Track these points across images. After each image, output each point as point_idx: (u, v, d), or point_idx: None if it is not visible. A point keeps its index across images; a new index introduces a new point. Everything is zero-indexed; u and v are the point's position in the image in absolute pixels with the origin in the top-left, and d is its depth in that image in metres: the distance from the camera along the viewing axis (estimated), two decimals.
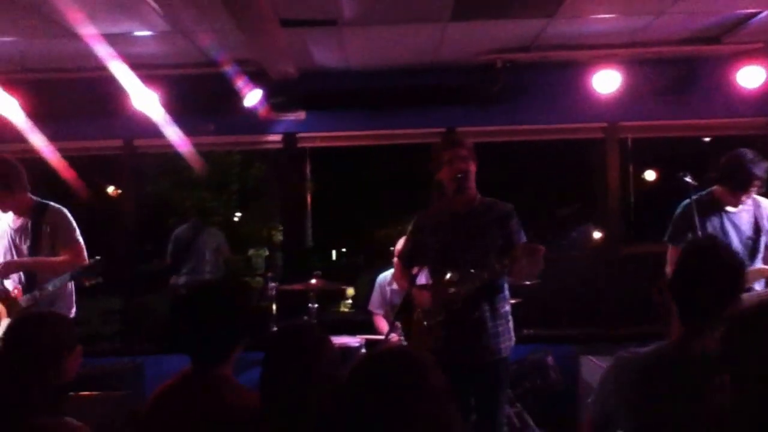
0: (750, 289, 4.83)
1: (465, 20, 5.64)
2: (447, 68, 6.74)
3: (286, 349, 2.63)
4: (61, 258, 5.02)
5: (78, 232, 5.13)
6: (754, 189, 4.91)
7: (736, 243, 4.93)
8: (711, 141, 7.99)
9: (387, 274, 6.34)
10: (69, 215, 5.14)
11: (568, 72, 6.61)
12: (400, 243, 5.91)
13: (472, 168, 4.35)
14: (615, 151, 6.86)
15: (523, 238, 4.27)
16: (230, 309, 2.84)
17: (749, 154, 4.86)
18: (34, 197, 5.13)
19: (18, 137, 6.59)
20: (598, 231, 7.61)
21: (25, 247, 5.02)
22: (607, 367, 2.53)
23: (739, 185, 4.89)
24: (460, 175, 4.27)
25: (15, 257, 5.03)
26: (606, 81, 6.44)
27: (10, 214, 5.12)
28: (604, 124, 6.84)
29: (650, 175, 10.61)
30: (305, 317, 5.97)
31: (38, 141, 6.62)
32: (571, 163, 8.69)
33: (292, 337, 2.69)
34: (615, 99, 6.52)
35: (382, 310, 6.34)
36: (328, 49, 6.33)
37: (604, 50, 6.39)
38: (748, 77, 6.40)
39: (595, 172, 7.08)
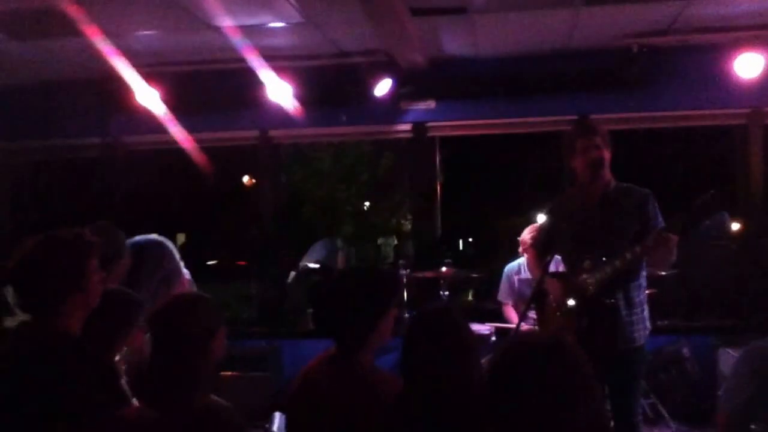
0: None
1: (600, 4, 5.52)
2: (580, 54, 6.59)
3: (430, 329, 2.65)
4: None
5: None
6: None
7: None
8: None
9: (514, 265, 6.29)
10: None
11: (708, 56, 6.36)
12: (526, 233, 5.88)
13: (607, 156, 4.27)
14: (759, 138, 6.57)
15: (661, 224, 4.16)
16: (375, 294, 2.88)
17: None
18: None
19: (160, 128, 6.89)
20: (737, 221, 7.32)
21: None
22: (739, 358, 2.46)
23: None
24: (594, 164, 4.20)
25: None
26: (749, 65, 6.18)
27: None
28: (748, 110, 6.56)
29: None
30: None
31: (178, 132, 6.89)
32: (711, 150, 8.39)
33: (436, 318, 2.71)
34: (759, 83, 6.25)
35: (511, 300, 6.29)
36: (458, 37, 6.31)
37: (747, 32, 6.12)
38: None
39: (737, 160, 6.79)
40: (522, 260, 6.14)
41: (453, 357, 2.56)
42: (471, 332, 2.71)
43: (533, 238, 5.63)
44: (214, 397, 2.79)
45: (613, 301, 4.15)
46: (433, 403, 2.50)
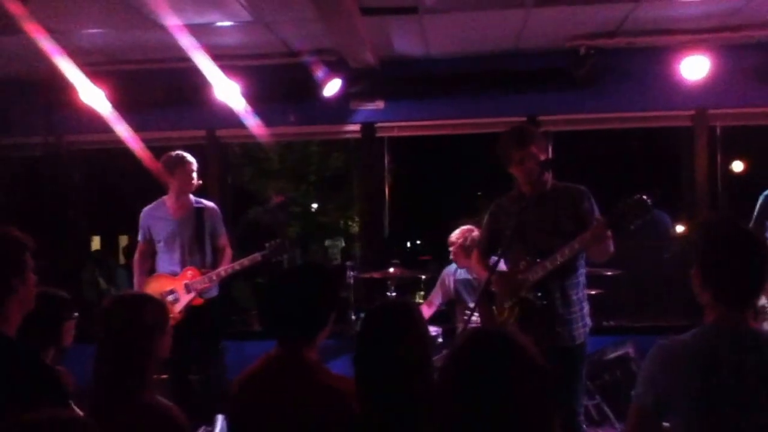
0: None
1: (549, 5, 5.54)
2: (530, 55, 6.63)
3: (384, 324, 2.65)
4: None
5: None
6: None
7: None
8: None
9: (452, 266, 6.30)
10: None
11: (655, 58, 6.44)
12: (454, 235, 5.91)
13: (543, 158, 4.31)
14: (703, 140, 6.65)
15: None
16: (323, 290, 2.89)
17: None
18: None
19: (104, 127, 6.75)
20: (683, 221, 7.43)
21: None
22: (650, 356, 2.52)
23: None
24: (533, 172, 4.27)
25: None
26: (695, 67, 6.28)
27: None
28: (693, 112, 6.64)
29: (738, 166, 10.29)
30: None
31: (124, 131, 6.76)
32: (656, 152, 8.50)
33: (391, 313, 2.70)
34: (704, 85, 6.35)
35: (438, 299, 6.29)
36: (408, 37, 6.30)
37: (693, 35, 6.21)
38: None
39: (682, 162, 6.89)
40: None
41: (411, 351, 2.57)
42: (426, 327, 2.73)
43: (453, 241, 5.84)
44: (160, 397, 2.76)
45: (545, 302, 4.20)
46: (391, 397, 2.50)
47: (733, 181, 8.79)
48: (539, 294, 4.22)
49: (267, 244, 5.77)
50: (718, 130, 6.77)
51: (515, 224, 4.31)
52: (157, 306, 2.91)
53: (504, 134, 4.49)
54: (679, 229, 8.26)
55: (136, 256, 5.97)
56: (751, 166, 10.16)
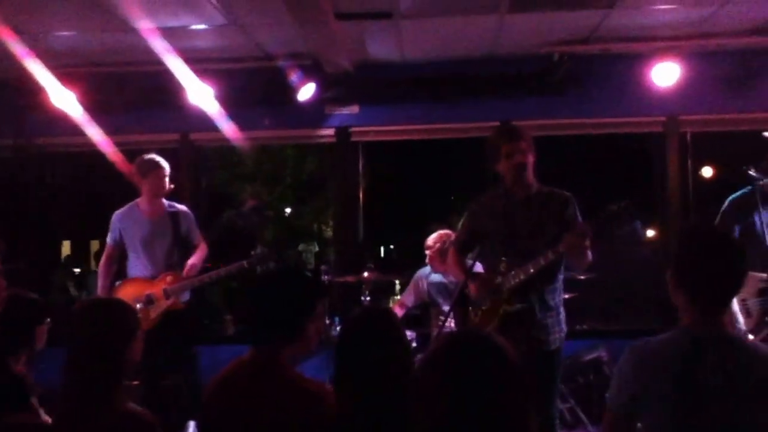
0: None
1: (523, 11, 5.58)
2: (504, 61, 6.65)
3: (365, 331, 2.65)
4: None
5: None
6: None
7: None
8: None
9: (426, 268, 6.30)
10: None
11: (627, 64, 6.48)
12: (432, 239, 5.92)
13: (531, 159, 4.33)
14: (675, 146, 6.71)
15: None
16: (301, 295, 2.85)
17: None
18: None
19: (76, 130, 6.69)
20: (654, 227, 7.49)
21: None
22: (623, 359, 2.54)
23: None
24: (520, 168, 4.26)
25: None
26: (665, 73, 6.33)
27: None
28: (664, 118, 6.69)
29: (707, 172, 10.42)
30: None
31: (96, 134, 6.71)
32: (628, 157, 8.57)
33: (371, 319, 2.70)
34: (675, 92, 6.41)
35: (411, 301, 6.29)
36: (384, 42, 6.31)
37: (664, 42, 6.29)
38: None
39: (654, 167, 6.94)
40: None
41: (391, 357, 2.58)
42: (404, 332, 2.74)
43: (429, 245, 5.87)
44: (132, 404, 2.74)
45: (524, 305, 4.20)
46: (370, 403, 2.51)
47: (703, 187, 8.90)
48: (517, 298, 4.22)
49: (252, 252, 5.76)
50: (689, 136, 6.83)
51: (498, 225, 4.33)
52: (129, 311, 2.89)
53: (495, 130, 4.56)
54: (651, 233, 8.34)
55: (103, 259, 5.90)
56: (720, 171, 10.29)
